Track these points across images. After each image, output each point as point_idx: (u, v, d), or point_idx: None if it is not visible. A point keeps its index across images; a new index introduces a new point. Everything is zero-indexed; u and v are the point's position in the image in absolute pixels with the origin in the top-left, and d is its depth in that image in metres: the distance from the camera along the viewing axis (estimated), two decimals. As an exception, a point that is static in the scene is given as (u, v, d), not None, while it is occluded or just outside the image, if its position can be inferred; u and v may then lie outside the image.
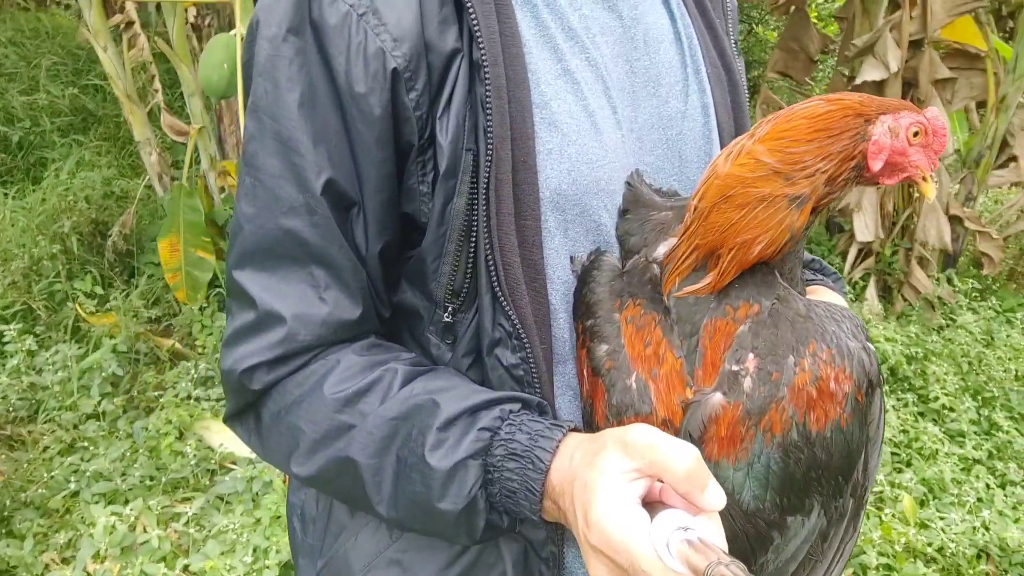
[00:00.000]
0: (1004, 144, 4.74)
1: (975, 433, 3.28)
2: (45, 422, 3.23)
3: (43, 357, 3.47)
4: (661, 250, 0.79)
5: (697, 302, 0.75)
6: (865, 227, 4.71)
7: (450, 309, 0.80)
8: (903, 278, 4.70)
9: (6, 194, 4.70)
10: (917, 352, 3.81)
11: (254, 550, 2.24)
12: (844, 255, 4.85)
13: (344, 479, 0.76)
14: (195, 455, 3.03)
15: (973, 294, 4.54)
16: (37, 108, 5.57)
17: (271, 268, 0.78)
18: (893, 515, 2.62)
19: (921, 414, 3.45)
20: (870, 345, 0.73)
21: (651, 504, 0.63)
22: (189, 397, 3.26)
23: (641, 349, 0.75)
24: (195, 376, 3.40)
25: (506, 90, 0.76)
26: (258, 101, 0.77)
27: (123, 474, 2.89)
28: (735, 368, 0.71)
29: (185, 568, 2.16)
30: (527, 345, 0.78)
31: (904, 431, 3.24)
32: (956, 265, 5.00)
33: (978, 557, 2.57)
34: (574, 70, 0.81)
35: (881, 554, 2.48)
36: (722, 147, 0.91)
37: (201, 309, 3.81)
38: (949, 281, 4.64)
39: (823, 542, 0.77)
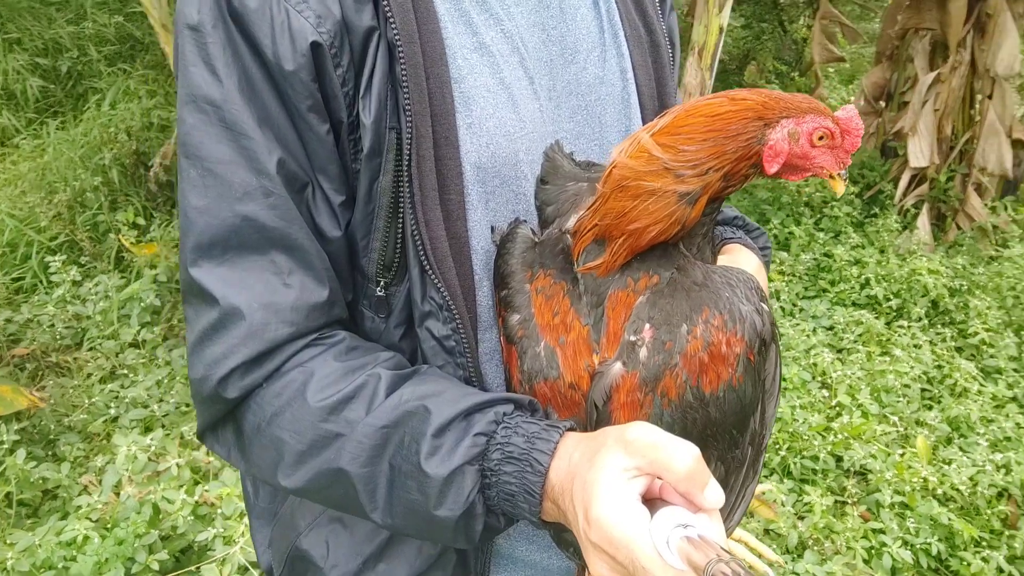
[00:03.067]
0: (1077, 62, 4.42)
1: (1014, 370, 3.17)
2: (88, 350, 3.38)
3: (87, 287, 3.61)
4: (572, 221, 0.77)
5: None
6: (920, 152, 4.49)
7: (382, 284, 0.80)
8: (958, 206, 4.49)
9: (54, 126, 4.83)
10: (961, 285, 3.67)
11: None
12: (896, 181, 4.65)
13: (336, 489, 0.75)
14: (227, 383, 3.14)
15: (1030, 224, 4.31)
16: (84, 38, 5.64)
17: (230, 261, 0.75)
18: (913, 454, 2.57)
19: (959, 349, 3.35)
20: (764, 306, 0.74)
21: (651, 501, 0.63)
22: (222, 327, 3.36)
23: (550, 318, 0.75)
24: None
25: (423, 67, 0.75)
26: (196, 91, 0.75)
27: (160, 400, 3.02)
28: (633, 339, 0.72)
29: (204, 494, 2.26)
30: (457, 317, 0.78)
31: (939, 366, 3.15)
32: (1017, 192, 4.75)
33: (999, 497, 2.52)
34: (489, 43, 0.79)
35: (897, 492, 2.45)
36: (642, 110, 0.90)
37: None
38: (1006, 208, 4.41)
39: (724, 489, 0.78)
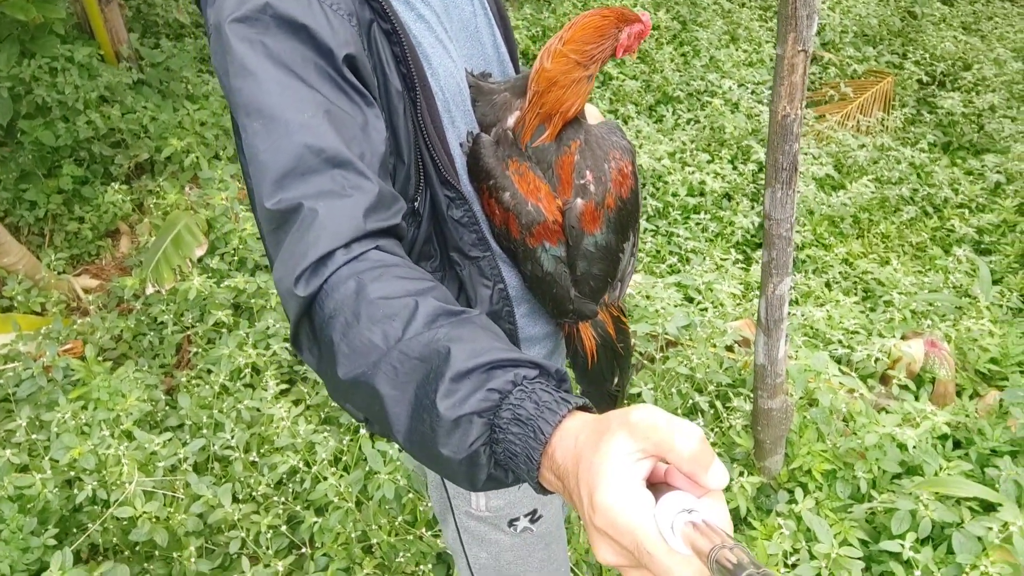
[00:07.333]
0: None
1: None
2: None
3: None
4: (511, 121, 1.20)
5: (545, 149, 1.19)
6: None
7: (417, 198, 1.12)
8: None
9: None
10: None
11: (102, 423, 2.43)
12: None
13: (373, 404, 0.81)
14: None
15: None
16: None
17: (301, 186, 0.88)
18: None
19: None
20: (627, 138, 1.25)
21: (655, 485, 0.64)
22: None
23: (526, 187, 1.19)
24: None
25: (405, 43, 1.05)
26: (246, 62, 0.92)
27: None
28: (582, 182, 1.20)
29: (54, 466, 2.30)
30: (467, 202, 1.16)
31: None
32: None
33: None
34: (422, 12, 1.11)
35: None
36: (495, 27, 1.30)
37: None
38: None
39: (633, 247, 1.35)
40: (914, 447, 2.24)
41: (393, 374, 0.78)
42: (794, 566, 2.06)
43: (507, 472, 0.75)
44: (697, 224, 3.90)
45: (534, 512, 1.41)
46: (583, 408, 0.73)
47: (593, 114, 1.33)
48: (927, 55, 5.57)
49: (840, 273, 3.69)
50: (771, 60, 5.34)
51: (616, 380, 1.42)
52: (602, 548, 0.63)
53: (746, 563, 0.53)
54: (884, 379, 2.80)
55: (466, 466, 0.74)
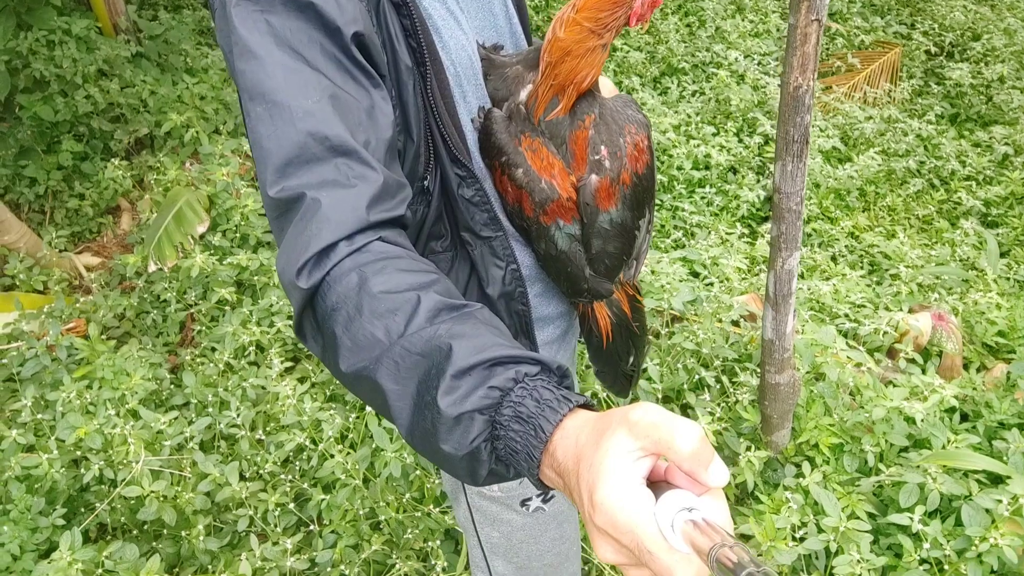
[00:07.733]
0: None
1: None
2: None
3: None
4: (523, 95, 1.17)
5: (559, 123, 1.16)
6: None
7: (427, 176, 1.09)
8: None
9: None
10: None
11: (108, 402, 2.42)
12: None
13: (376, 396, 0.81)
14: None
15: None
16: None
17: (304, 174, 0.86)
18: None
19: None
20: (642, 111, 1.22)
21: (656, 483, 0.64)
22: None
23: (540, 164, 1.16)
24: None
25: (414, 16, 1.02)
26: (251, 42, 0.90)
27: None
28: (596, 157, 1.17)
29: (61, 446, 2.30)
30: (477, 180, 1.12)
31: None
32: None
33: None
34: None
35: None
36: None
37: None
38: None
39: (648, 224, 1.32)
40: (922, 420, 2.23)
41: (395, 369, 0.78)
42: (802, 539, 2.05)
43: (508, 468, 0.74)
44: (702, 198, 3.87)
45: (546, 492, 1.40)
46: (585, 406, 0.72)
47: (607, 87, 1.30)
48: (936, 25, 5.49)
49: (846, 246, 3.66)
50: (778, 31, 5.27)
51: (631, 360, 1.40)
52: (603, 546, 0.63)
53: (746, 562, 0.53)
54: (891, 353, 2.79)
55: (467, 462, 0.74)
